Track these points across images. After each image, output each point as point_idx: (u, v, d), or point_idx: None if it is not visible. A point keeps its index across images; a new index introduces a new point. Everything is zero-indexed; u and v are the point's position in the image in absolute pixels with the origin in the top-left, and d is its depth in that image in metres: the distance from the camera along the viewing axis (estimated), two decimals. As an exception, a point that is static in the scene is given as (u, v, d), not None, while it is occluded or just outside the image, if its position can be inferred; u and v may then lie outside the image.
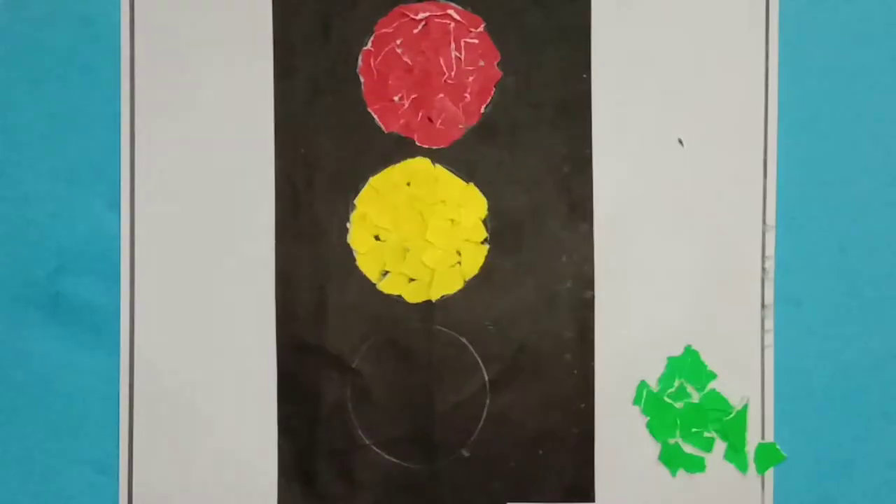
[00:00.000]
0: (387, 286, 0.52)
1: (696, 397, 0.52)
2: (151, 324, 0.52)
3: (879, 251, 0.51)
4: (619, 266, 0.52)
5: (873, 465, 0.51)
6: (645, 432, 0.52)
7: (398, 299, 0.52)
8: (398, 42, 0.51)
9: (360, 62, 0.52)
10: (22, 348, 0.52)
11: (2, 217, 0.52)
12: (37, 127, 0.52)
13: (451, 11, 0.51)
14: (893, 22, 0.51)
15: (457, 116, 0.51)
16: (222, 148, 0.52)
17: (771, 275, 0.51)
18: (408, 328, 0.52)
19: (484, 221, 0.52)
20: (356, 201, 0.52)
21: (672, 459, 0.51)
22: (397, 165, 0.52)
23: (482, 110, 0.52)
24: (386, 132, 0.52)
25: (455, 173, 0.52)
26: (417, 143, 0.52)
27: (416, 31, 0.51)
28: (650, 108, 0.51)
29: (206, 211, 0.52)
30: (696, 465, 0.52)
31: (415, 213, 0.51)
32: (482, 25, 0.51)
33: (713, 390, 0.52)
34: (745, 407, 0.51)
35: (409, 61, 0.51)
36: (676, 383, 0.51)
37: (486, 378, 0.52)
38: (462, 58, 0.51)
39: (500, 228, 0.52)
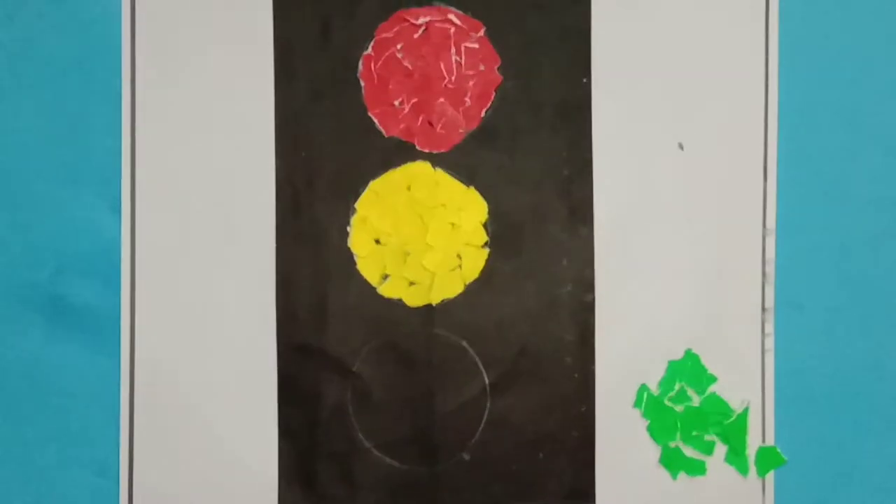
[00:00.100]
0: (387, 290, 0.52)
1: (696, 400, 0.52)
2: (152, 326, 0.52)
3: (880, 255, 0.51)
4: (619, 269, 0.51)
5: (874, 468, 0.52)
6: (645, 435, 0.52)
7: (398, 303, 0.52)
8: (399, 47, 0.51)
9: (360, 66, 0.52)
10: (22, 350, 0.52)
11: (2, 219, 0.52)
12: (37, 129, 0.52)
13: (451, 16, 0.51)
14: (893, 25, 0.51)
15: (457, 120, 0.51)
16: (223, 151, 0.52)
17: (771, 278, 0.51)
18: (408, 331, 0.52)
19: (484, 225, 0.52)
20: (357, 205, 0.52)
21: (673, 462, 0.52)
22: (398, 169, 0.52)
23: (482, 114, 0.51)
24: (386, 136, 0.52)
25: (455, 177, 0.52)
26: (418, 148, 0.51)
27: (416, 35, 0.51)
28: (650, 112, 0.51)
29: (207, 214, 0.52)
30: (696, 469, 0.52)
31: (415, 216, 0.51)
32: (482, 30, 0.51)
33: (713, 394, 0.52)
34: (746, 410, 0.51)
35: (409, 66, 0.51)
36: (677, 386, 0.51)
37: (487, 381, 0.52)
38: (462, 62, 0.51)
39: (500, 232, 0.52)
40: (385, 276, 0.52)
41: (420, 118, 0.51)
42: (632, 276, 0.51)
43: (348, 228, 0.52)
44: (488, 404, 0.52)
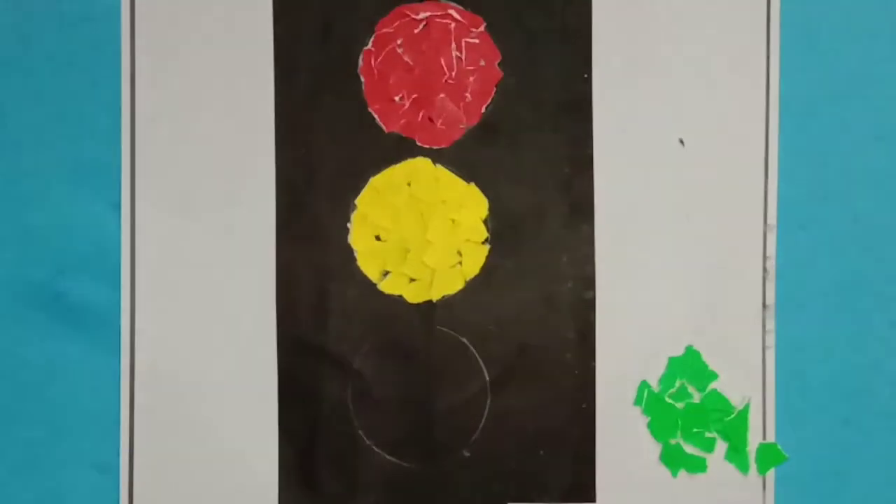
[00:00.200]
0: (387, 286, 0.52)
1: (697, 397, 0.52)
2: (152, 325, 0.52)
3: (881, 252, 0.51)
4: (620, 266, 0.51)
5: (874, 465, 0.51)
6: (646, 433, 0.52)
7: (399, 299, 0.52)
8: (399, 42, 0.51)
9: (360, 62, 0.52)
10: (23, 349, 0.52)
11: (2, 218, 0.52)
12: (37, 127, 0.52)
13: (451, 11, 0.51)
14: (894, 23, 0.51)
15: (458, 116, 0.51)
16: (223, 148, 0.52)
17: (772, 275, 0.51)
18: (408, 328, 0.52)
19: (485, 221, 0.52)
20: (357, 201, 0.52)
21: (673, 460, 0.51)
22: (398, 165, 0.52)
23: (483, 110, 0.51)
24: (387, 132, 0.52)
25: (456, 173, 0.52)
26: (418, 144, 0.52)
27: (416, 31, 0.51)
28: (651, 108, 0.51)
29: (207, 211, 0.52)
30: (697, 466, 0.52)
31: (415, 213, 0.51)
32: (483, 25, 0.51)
33: (714, 390, 0.52)
34: (747, 407, 0.51)
35: (409, 61, 0.51)
36: (677, 383, 0.51)
37: (487, 378, 0.52)
38: (463, 58, 0.51)
39: (500, 228, 0.52)
40: (385, 273, 0.52)
41: (420, 114, 0.51)
42: (632, 272, 0.51)
43: (348, 225, 0.52)
44: (489, 401, 0.52)
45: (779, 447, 0.51)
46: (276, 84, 0.52)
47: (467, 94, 0.51)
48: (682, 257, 0.51)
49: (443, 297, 0.52)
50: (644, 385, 0.51)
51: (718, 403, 0.52)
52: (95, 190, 0.52)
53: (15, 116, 0.52)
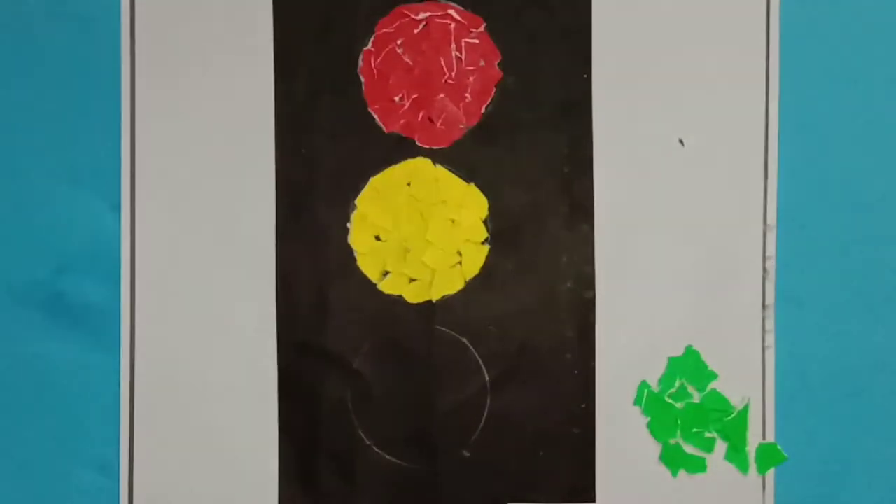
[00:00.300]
0: (387, 286, 0.52)
1: (696, 397, 0.52)
2: (152, 324, 0.52)
3: (880, 251, 0.51)
4: (619, 266, 0.51)
5: (874, 465, 0.51)
6: (646, 432, 0.52)
7: (399, 299, 0.52)
8: (399, 42, 0.51)
9: (360, 62, 0.52)
10: (23, 349, 0.52)
11: (3, 217, 0.52)
12: (37, 127, 0.52)
13: (451, 11, 0.51)
14: (894, 22, 0.51)
15: (457, 116, 0.51)
16: (223, 148, 0.52)
17: (772, 275, 0.51)
18: (408, 328, 0.52)
19: (484, 221, 0.52)
20: (357, 201, 0.52)
21: (673, 460, 0.51)
22: (398, 165, 0.52)
23: (483, 110, 0.51)
24: (386, 132, 0.52)
25: (456, 173, 0.52)
26: (418, 144, 0.52)
27: (416, 31, 0.51)
28: (651, 109, 0.51)
29: (207, 211, 0.52)
30: (696, 466, 0.52)
31: (415, 213, 0.51)
32: (483, 25, 0.51)
33: (714, 390, 0.52)
34: (746, 407, 0.51)
35: (409, 61, 0.51)
36: (677, 383, 0.51)
37: (487, 378, 0.52)
38: (463, 58, 0.51)
39: (500, 229, 0.52)
40: (385, 273, 0.52)
41: (420, 114, 0.51)
42: (632, 272, 0.51)
43: (348, 225, 0.52)
44: (488, 401, 0.52)
45: (778, 447, 0.51)
46: (277, 84, 0.52)
47: (467, 94, 0.51)
48: (681, 257, 0.51)
49: (443, 297, 0.52)
50: (644, 385, 0.51)
51: (718, 403, 0.52)
52: (95, 190, 0.52)
53: (15, 116, 0.52)
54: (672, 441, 0.52)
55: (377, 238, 0.52)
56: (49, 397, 0.52)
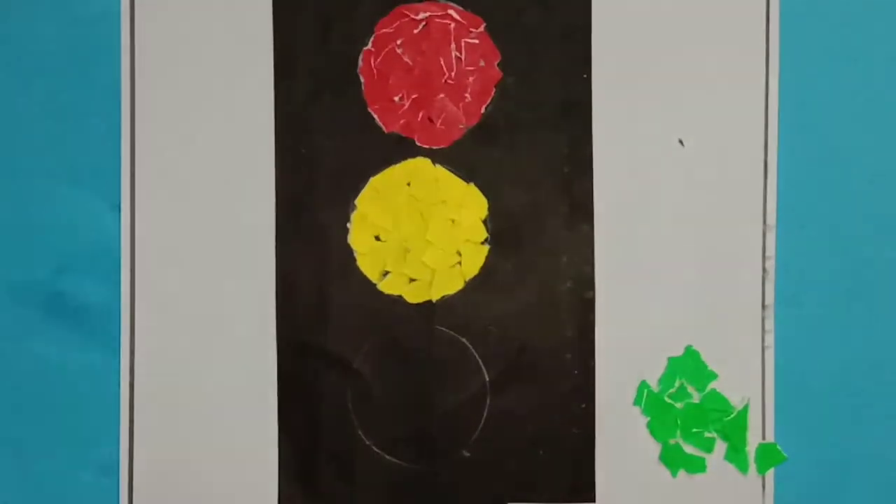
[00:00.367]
0: (387, 286, 0.52)
1: (696, 397, 0.52)
2: (152, 324, 0.52)
3: (880, 251, 0.51)
4: (619, 266, 0.51)
5: (874, 465, 0.51)
6: (645, 432, 0.52)
7: (399, 299, 0.52)
8: (398, 42, 0.51)
9: (360, 62, 0.52)
10: (22, 348, 0.52)
11: (3, 217, 0.52)
12: (37, 127, 0.52)
13: (451, 11, 0.51)
14: (894, 22, 0.51)
15: (457, 116, 0.51)
16: (223, 148, 0.52)
17: (771, 275, 0.51)
18: (408, 328, 0.52)
19: (484, 222, 0.52)
20: (357, 201, 0.52)
21: (672, 460, 0.51)
22: (398, 165, 0.52)
23: (482, 110, 0.51)
24: (386, 132, 0.52)
25: (455, 173, 0.52)
26: (418, 144, 0.52)
27: (416, 31, 0.51)
28: (651, 109, 0.51)
29: (207, 211, 0.52)
30: (696, 466, 0.52)
31: (415, 213, 0.51)
32: (482, 26, 0.51)
33: (714, 390, 0.52)
34: (746, 407, 0.51)
35: (409, 61, 0.51)
36: (677, 383, 0.51)
37: (487, 378, 0.52)
38: (462, 58, 0.51)
39: (500, 229, 0.52)
40: (385, 273, 0.52)
41: (420, 114, 0.51)
42: (632, 272, 0.51)
43: (348, 225, 0.52)
44: (488, 401, 0.52)
45: (778, 447, 0.51)
46: (276, 84, 0.52)
47: (467, 95, 0.51)
48: (681, 257, 0.51)
49: (442, 297, 0.52)
50: (644, 385, 0.51)
51: (718, 403, 0.51)
52: (95, 190, 0.52)
53: (15, 116, 0.52)
54: (672, 441, 0.52)
55: (377, 238, 0.52)
56: (49, 397, 0.52)
